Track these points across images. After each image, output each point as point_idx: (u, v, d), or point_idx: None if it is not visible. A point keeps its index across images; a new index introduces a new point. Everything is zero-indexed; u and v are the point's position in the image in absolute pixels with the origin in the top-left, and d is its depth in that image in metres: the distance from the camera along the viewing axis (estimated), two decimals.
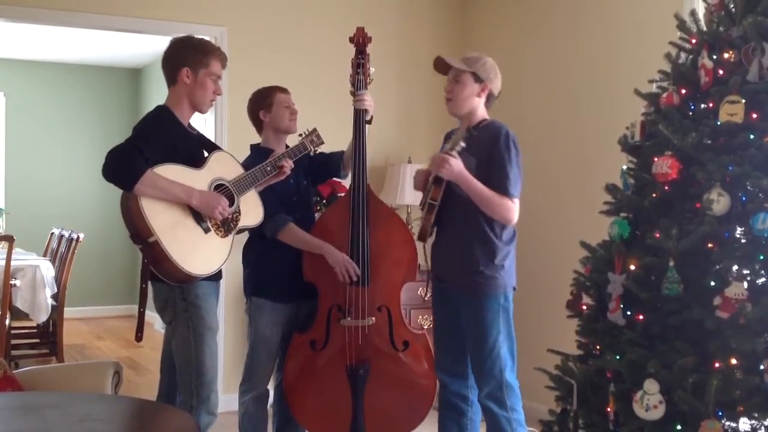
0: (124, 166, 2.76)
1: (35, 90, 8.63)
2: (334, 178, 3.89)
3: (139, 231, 2.81)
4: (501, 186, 3.05)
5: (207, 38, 3.38)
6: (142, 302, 2.92)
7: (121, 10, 4.70)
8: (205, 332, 2.99)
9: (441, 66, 3.26)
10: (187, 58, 3.01)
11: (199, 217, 2.91)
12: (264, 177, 3.16)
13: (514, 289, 3.20)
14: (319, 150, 3.61)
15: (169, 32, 4.97)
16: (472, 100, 3.17)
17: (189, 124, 3.10)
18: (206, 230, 2.93)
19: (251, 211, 3.12)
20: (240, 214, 3.05)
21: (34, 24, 5.45)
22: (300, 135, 3.46)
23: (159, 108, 3.06)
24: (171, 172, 2.85)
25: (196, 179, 2.92)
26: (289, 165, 3.24)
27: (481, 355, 3.11)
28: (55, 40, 7.51)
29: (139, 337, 2.94)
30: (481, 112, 3.21)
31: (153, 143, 2.86)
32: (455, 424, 3.30)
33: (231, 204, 3.00)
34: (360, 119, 3.46)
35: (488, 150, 3.07)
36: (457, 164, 3.00)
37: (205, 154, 3.09)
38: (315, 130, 3.46)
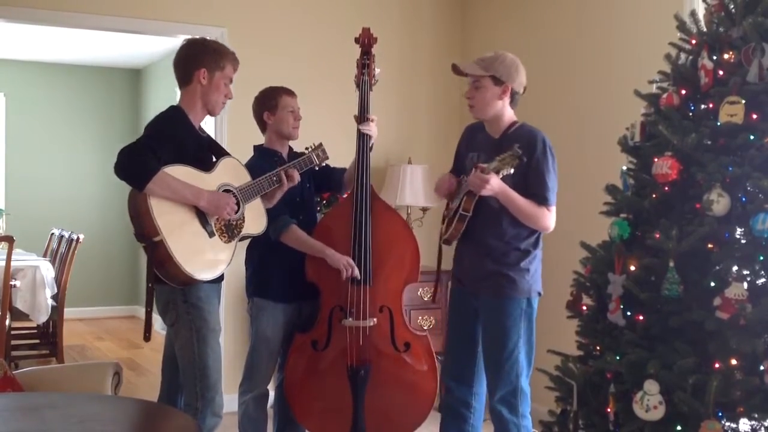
0: (137, 165, 2.76)
1: (35, 90, 8.63)
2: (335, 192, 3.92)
3: (144, 229, 2.81)
4: (540, 196, 3.04)
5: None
6: (149, 302, 2.92)
7: (121, 10, 4.71)
8: (207, 334, 2.99)
9: (458, 70, 3.19)
10: (205, 59, 3.02)
11: (204, 220, 2.91)
12: (270, 187, 3.18)
13: (540, 294, 3.16)
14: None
15: (170, 33, 4.99)
16: (495, 104, 3.10)
17: (200, 127, 3.11)
18: (211, 234, 2.93)
19: (255, 219, 3.13)
20: (244, 222, 3.05)
21: (34, 25, 5.46)
22: (307, 148, 3.47)
23: (172, 108, 3.07)
24: (181, 173, 2.85)
25: (205, 182, 2.93)
26: (296, 177, 3.26)
27: (500, 358, 3.08)
28: (55, 40, 7.52)
29: (147, 337, 2.94)
30: (508, 115, 3.15)
31: (165, 143, 2.86)
32: (457, 430, 3.27)
33: (237, 210, 3.01)
34: (364, 143, 3.46)
35: (525, 158, 2.99)
36: (496, 184, 2.93)
37: (213, 158, 3.09)
38: (321, 144, 3.47)
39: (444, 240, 3.18)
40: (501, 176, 2.93)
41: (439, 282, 3.45)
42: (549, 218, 3.08)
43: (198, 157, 2.99)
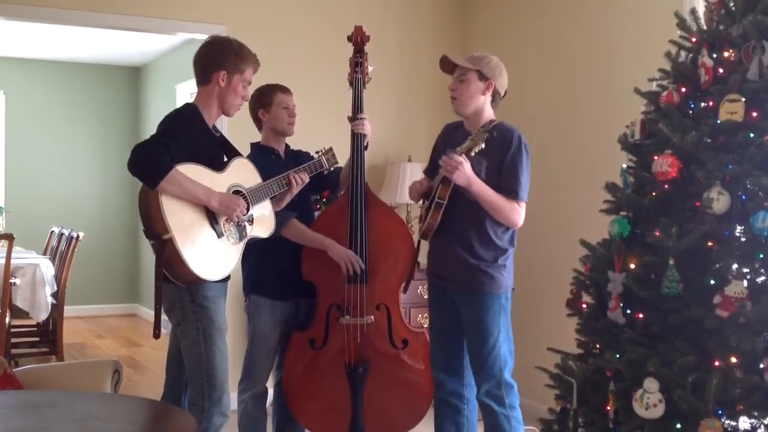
0: (151, 163, 2.76)
1: (35, 88, 8.63)
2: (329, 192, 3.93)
3: (154, 227, 2.81)
4: (512, 190, 3.08)
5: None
6: (158, 300, 2.91)
7: (120, 8, 4.70)
8: (214, 334, 2.98)
9: (446, 65, 3.26)
10: (227, 61, 3.01)
11: (214, 220, 2.91)
12: (280, 189, 3.18)
13: (513, 289, 3.21)
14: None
15: (169, 30, 4.98)
16: (477, 99, 3.17)
17: (213, 126, 3.11)
18: (219, 235, 2.93)
19: (264, 222, 3.13)
20: (253, 224, 3.05)
21: (33, 22, 5.45)
22: (317, 152, 3.47)
23: (188, 106, 3.07)
24: (193, 171, 2.85)
25: (216, 182, 2.93)
26: (305, 180, 3.26)
27: (482, 353, 3.12)
28: (54, 38, 7.51)
29: (157, 334, 2.93)
30: (488, 112, 3.21)
31: (179, 141, 2.86)
32: (452, 422, 3.30)
33: (246, 212, 3.01)
34: (359, 143, 3.46)
35: (500, 153, 3.08)
36: (468, 170, 2.99)
37: (225, 158, 3.09)
38: (331, 149, 3.48)
39: (422, 233, 3.20)
40: (473, 153, 2.99)
41: (411, 277, 3.45)
42: (519, 214, 3.12)
43: (210, 156, 2.99)
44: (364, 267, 3.40)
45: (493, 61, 3.18)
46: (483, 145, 2.98)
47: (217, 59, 3.02)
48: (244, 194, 3.02)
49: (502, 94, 3.24)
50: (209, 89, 3.03)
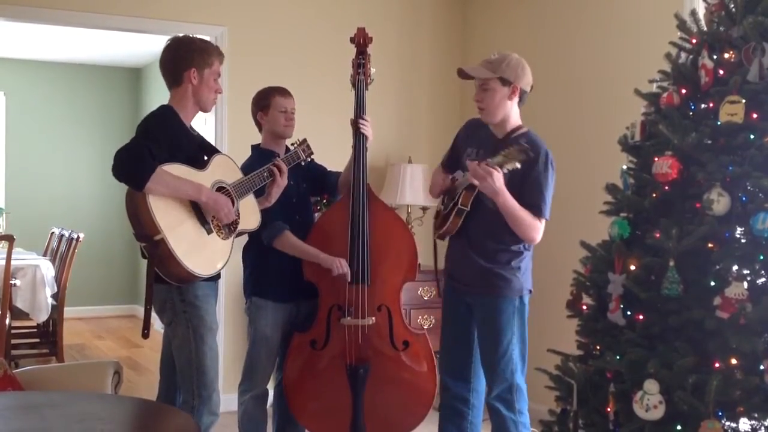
0: (135, 165, 2.77)
1: (36, 89, 8.63)
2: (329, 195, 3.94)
3: (144, 229, 2.81)
4: (535, 207, 3.02)
5: (207, 38, 3.39)
6: (149, 300, 2.92)
7: (121, 9, 4.70)
8: (204, 332, 2.99)
9: (465, 74, 3.16)
10: (193, 58, 3.03)
11: (202, 218, 2.92)
12: (262, 182, 3.19)
13: (530, 292, 3.17)
14: (320, 162, 3.64)
15: (170, 32, 4.96)
16: (505, 105, 3.08)
17: (191, 126, 3.12)
18: (209, 231, 2.94)
19: (250, 215, 3.14)
20: (239, 218, 3.06)
21: (34, 23, 5.45)
22: (292, 145, 3.47)
23: (163, 107, 3.07)
24: (176, 171, 2.86)
25: (199, 180, 2.94)
26: (284, 171, 3.26)
27: (495, 356, 3.10)
28: (55, 39, 7.51)
29: (145, 334, 2.93)
30: (514, 117, 3.13)
31: (159, 142, 2.87)
32: (456, 427, 3.28)
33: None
34: (361, 144, 3.47)
35: (525, 167, 2.97)
36: (499, 181, 2.90)
37: (205, 157, 3.10)
38: (305, 140, 3.48)
39: (439, 235, 3.19)
40: (505, 171, 2.91)
41: (439, 278, 3.45)
42: (539, 231, 3.06)
43: (191, 155, 3.00)
44: (349, 272, 3.39)
45: (513, 61, 3.07)
46: (518, 166, 2.88)
47: (185, 58, 3.03)
48: (227, 190, 3.03)
49: (529, 90, 3.14)
50: (183, 89, 3.05)
